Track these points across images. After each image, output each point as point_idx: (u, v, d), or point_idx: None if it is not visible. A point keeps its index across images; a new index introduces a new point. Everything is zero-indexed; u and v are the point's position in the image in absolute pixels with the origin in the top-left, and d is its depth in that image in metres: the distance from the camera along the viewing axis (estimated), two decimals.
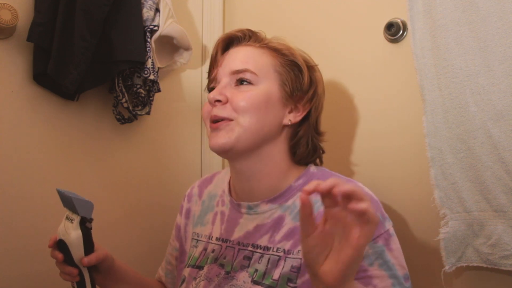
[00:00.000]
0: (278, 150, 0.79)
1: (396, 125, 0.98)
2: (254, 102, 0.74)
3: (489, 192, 0.77)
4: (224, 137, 0.73)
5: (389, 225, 0.72)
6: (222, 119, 0.74)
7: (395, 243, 0.71)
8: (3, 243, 0.95)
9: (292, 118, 0.79)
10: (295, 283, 0.69)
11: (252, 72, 0.75)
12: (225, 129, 0.74)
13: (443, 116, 0.82)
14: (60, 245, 0.75)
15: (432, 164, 0.84)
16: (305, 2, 1.18)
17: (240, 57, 0.78)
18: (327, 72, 1.11)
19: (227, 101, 0.75)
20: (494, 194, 0.76)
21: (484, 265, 0.79)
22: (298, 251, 0.71)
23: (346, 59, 1.08)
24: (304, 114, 0.80)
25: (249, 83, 0.76)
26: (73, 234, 0.73)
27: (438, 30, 0.82)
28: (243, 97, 0.74)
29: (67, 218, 0.75)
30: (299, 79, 0.79)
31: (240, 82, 0.76)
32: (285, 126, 0.79)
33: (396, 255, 0.69)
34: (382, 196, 0.98)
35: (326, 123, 1.11)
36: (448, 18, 0.81)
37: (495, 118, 0.75)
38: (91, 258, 0.75)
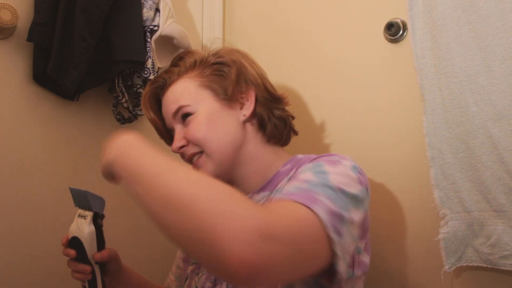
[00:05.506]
0: (254, 145, 0.80)
1: (395, 125, 0.98)
2: (202, 129, 0.75)
3: (489, 192, 0.77)
4: (204, 171, 0.77)
5: (346, 163, 0.66)
6: (195, 154, 0.78)
7: (346, 168, 0.64)
8: (2, 243, 0.95)
9: (245, 111, 0.79)
10: None
11: (185, 106, 0.78)
12: (202, 166, 0.77)
13: (443, 116, 0.82)
14: (73, 243, 0.76)
15: (432, 164, 0.84)
16: (305, 2, 1.18)
17: (169, 101, 0.80)
18: (326, 71, 1.11)
19: (188, 142, 0.78)
20: (494, 194, 0.76)
21: (484, 265, 0.79)
22: None
23: (346, 59, 1.08)
24: (254, 99, 0.80)
25: (190, 114, 0.78)
26: (86, 229, 0.74)
27: (438, 30, 0.82)
28: (192, 129, 0.76)
29: (79, 216, 0.77)
30: (224, 76, 0.79)
31: (184, 117, 0.78)
32: (245, 122, 0.79)
33: (338, 170, 0.62)
34: (382, 195, 0.98)
35: (326, 120, 1.11)
36: (448, 18, 0.81)
37: (495, 118, 0.75)
38: (104, 254, 0.76)
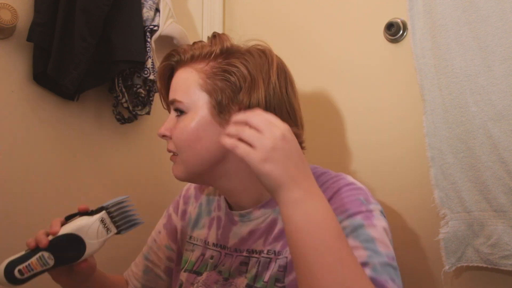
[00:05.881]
0: (236, 164, 0.72)
1: (395, 125, 0.98)
2: (183, 137, 0.71)
3: (489, 192, 0.77)
4: (176, 171, 0.75)
5: (374, 207, 0.66)
6: (172, 152, 0.75)
7: (380, 221, 0.65)
8: (2, 243, 0.95)
9: None
10: (283, 282, 0.68)
11: (178, 101, 0.72)
12: (176, 163, 0.75)
13: (443, 116, 0.82)
14: (70, 240, 0.67)
15: (432, 164, 0.84)
16: (305, 2, 1.18)
17: (173, 85, 0.74)
18: (327, 71, 1.11)
19: (171, 137, 0.75)
20: (494, 194, 0.76)
21: (484, 265, 0.79)
22: (286, 250, 0.70)
23: (346, 59, 1.08)
24: None
25: (183, 112, 0.72)
26: (97, 245, 0.68)
27: (438, 30, 0.82)
28: (176, 132, 0.73)
29: (103, 222, 0.69)
30: (227, 86, 0.69)
31: (178, 112, 0.73)
32: None
33: (378, 230, 0.63)
34: (382, 196, 0.98)
35: (325, 120, 1.11)
36: (448, 18, 0.81)
37: (495, 118, 0.75)
38: (83, 265, 0.71)
